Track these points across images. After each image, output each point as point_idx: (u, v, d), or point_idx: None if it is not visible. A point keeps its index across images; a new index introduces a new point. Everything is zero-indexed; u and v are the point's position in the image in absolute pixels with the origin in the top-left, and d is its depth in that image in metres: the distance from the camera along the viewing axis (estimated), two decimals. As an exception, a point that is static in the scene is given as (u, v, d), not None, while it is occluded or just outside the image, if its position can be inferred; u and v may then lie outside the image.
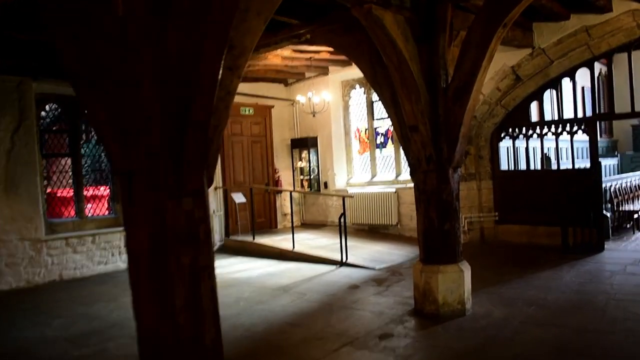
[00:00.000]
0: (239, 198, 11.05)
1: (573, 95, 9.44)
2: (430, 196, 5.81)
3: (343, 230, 8.75)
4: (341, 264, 8.69)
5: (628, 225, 10.94)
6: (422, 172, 5.84)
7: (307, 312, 6.28)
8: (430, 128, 5.62)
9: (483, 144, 10.07)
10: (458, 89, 5.58)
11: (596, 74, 9.28)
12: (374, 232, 11.42)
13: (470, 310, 5.85)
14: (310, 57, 10.04)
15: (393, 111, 6.09)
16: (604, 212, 9.76)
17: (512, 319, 5.59)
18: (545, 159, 11.00)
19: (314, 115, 11.55)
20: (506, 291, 6.69)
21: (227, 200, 11.40)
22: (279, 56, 9.62)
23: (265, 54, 9.21)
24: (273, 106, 12.57)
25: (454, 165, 5.76)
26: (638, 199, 12.40)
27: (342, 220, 8.83)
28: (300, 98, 11.58)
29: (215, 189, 11.28)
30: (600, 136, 17.84)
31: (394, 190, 11.15)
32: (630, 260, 7.98)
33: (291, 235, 9.90)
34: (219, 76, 2.87)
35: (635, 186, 12.57)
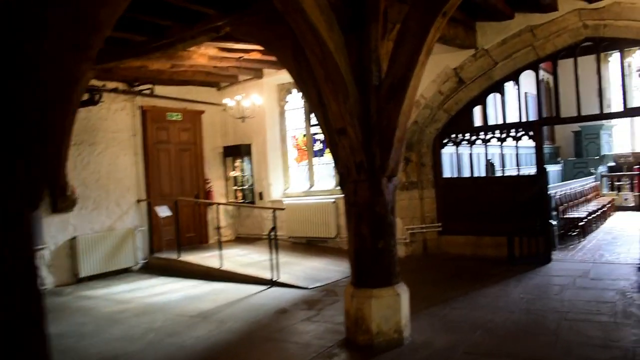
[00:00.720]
0: (163, 212, 10.04)
1: (518, 99, 8.97)
2: (362, 210, 5.06)
3: (274, 246, 7.94)
4: (272, 283, 7.85)
5: (574, 233, 10.58)
6: (352, 182, 5.10)
7: (222, 346, 5.40)
8: (361, 131, 4.88)
9: (425, 150, 9.48)
10: (392, 86, 4.86)
11: (540, 78, 8.84)
12: (311, 245, 10.63)
13: (409, 338, 5.12)
14: (240, 57, 9.21)
15: (320, 113, 5.34)
16: (551, 220, 9.33)
17: (456, 347, 4.89)
18: (490, 165, 10.53)
19: (243, 121, 10.67)
20: (450, 312, 6.03)
21: (151, 214, 10.37)
22: (205, 55, 8.75)
23: (189, 52, 8.37)
24: (204, 111, 11.64)
25: (388, 174, 5.03)
26: (582, 206, 12.12)
27: (272, 234, 8.02)
28: (229, 102, 10.67)
29: (139, 201, 10.27)
30: (543, 143, 17.75)
31: (333, 200, 10.41)
32: (578, 272, 7.50)
33: (221, 251, 8.98)
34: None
35: (579, 193, 12.30)
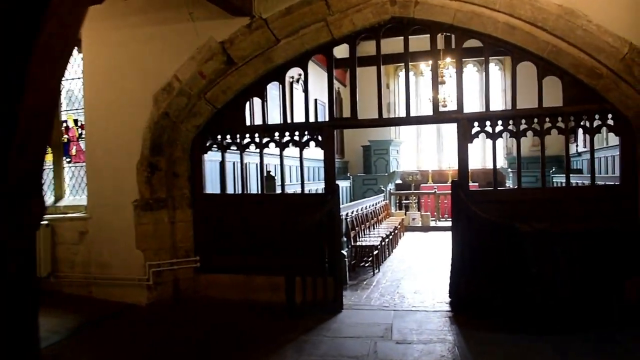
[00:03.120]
0: None
1: (305, 92, 6.78)
2: None
3: None
4: None
5: (367, 264, 8.79)
6: None
7: None
8: None
9: (180, 155, 6.78)
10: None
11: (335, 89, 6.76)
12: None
13: None
14: None
15: None
16: (342, 251, 7.33)
17: None
18: (268, 179, 8.24)
19: None
20: None
21: None
22: None
23: None
24: None
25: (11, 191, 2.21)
26: (374, 229, 10.52)
27: None
28: None
29: None
30: (333, 156, 16.35)
31: (45, 223, 7.14)
32: (379, 328, 5.46)
33: None
34: None
35: (371, 213, 10.70)
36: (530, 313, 5.16)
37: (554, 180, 13.72)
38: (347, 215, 8.56)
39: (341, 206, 7.65)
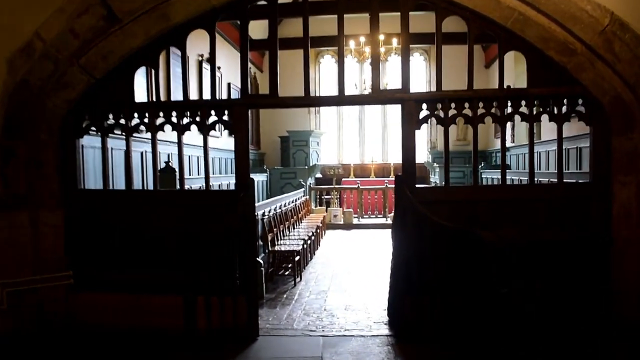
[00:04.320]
0: None
1: (211, 63, 5.39)
2: None
3: None
4: None
5: (287, 272, 7.53)
6: None
7: None
8: None
9: (46, 138, 5.15)
10: None
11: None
12: None
13: None
14: None
15: None
16: (258, 259, 6.06)
17: None
18: (165, 172, 6.76)
19: None
20: None
21: None
22: None
23: None
24: None
25: None
26: (294, 229, 9.29)
27: None
28: None
29: None
30: (248, 147, 14.92)
31: None
32: (304, 364, 4.23)
33: None
34: None
35: (291, 211, 9.45)
36: (496, 341, 4.10)
37: (483, 177, 13.08)
38: (263, 214, 7.26)
39: (257, 204, 6.35)
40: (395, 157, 16.59)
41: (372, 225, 13.06)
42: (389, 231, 12.22)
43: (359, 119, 17.26)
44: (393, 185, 15.02)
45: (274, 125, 16.26)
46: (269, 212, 7.80)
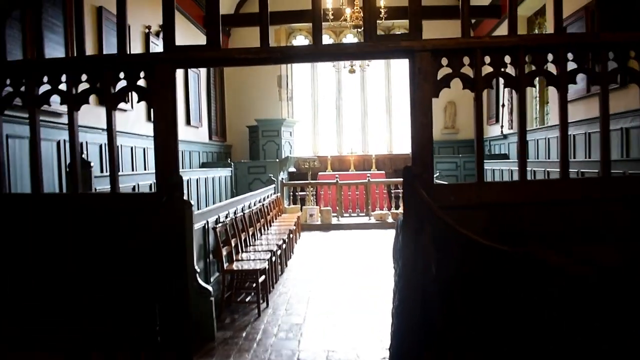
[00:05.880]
0: None
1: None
2: None
3: None
4: None
5: (248, 298, 5.77)
6: None
7: None
8: None
9: None
10: None
11: None
12: None
13: None
14: None
15: None
16: (205, 285, 4.32)
17: None
18: (78, 166, 4.95)
19: None
20: None
21: None
22: None
23: None
24: None
25: None
26: (262, 235, 7.54)
27: None
28: None
29: None
30: (210, 138, 13.11)
31: None
32: None
33: None
34: None
35: (257, 213, 7.68)
36: None
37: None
38: (216, 222, 5.49)
39: (208, 209, 4.58)
40: (377, 148, 14.93)
41: (353, 225, 11.36)
42: (372, 232, 10.49)
43: (336, 106, 15.54)
44: (376, 180, 13.13)
45: (241, 113, 14.49)
46: (227, 217, 6.04)
